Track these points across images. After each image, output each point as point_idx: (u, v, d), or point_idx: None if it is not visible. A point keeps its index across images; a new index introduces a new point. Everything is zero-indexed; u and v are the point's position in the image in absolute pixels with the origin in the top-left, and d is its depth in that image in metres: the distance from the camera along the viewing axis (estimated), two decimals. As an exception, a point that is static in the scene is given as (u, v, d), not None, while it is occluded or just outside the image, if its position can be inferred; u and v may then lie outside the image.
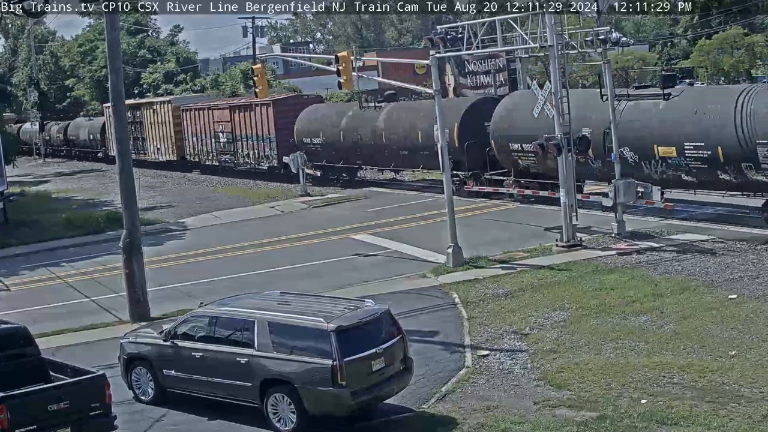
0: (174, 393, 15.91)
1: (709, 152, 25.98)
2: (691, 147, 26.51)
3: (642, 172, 28.00)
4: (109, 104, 61.75)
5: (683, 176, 27.48)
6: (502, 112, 32.99)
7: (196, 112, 52.49)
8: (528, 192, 32.25)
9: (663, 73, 30.34)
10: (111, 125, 57.49)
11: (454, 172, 31.87)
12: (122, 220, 23.10)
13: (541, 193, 31.39)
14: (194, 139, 52.98)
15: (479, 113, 34.33)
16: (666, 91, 27.74)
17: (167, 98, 55.51)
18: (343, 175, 43.30)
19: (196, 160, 53.39)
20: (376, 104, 40.77)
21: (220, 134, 49.88)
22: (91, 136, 69.63)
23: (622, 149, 27.73)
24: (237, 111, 48.57)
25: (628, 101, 28.47)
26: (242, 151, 48.35)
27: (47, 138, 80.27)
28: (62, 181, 59.22)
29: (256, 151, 47.12)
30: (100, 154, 67.54)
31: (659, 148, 27.38)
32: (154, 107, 57.28)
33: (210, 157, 52.00)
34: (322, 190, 42.59)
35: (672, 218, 28.31)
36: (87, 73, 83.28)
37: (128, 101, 64.53)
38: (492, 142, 33.21)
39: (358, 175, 43.83)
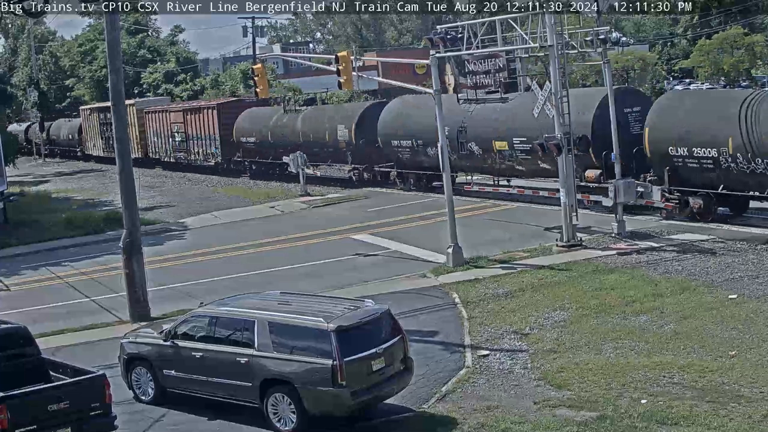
0: (174, 393, 15.91)
1: (530, 146, 30.12)
2: (518, 141, 31.86)
3: (486, 164, 34.15)
4: (86, 107, 63.64)
5: (516, 166, 33.06)
6: (386, 116, 39.14)
7: (157, 114, 57.64)
8: (410, 181, 38.98)
9: (506, 80, 33.33)
10: (87, 126, 66.84)
11: (353, 165, 41.60)
12: (122, 220, 23.10)
13: (421, 182, 38.42)
14: (155, 138, 58.38)
15: (373, 115, 40.19)
16: (504, 96, 32.86)
17: (132, 101, 58.89)
18: (277, 170, 47.24)
19: (157, 157, 58.58)
20: (296, 108, 47.20)
21: (176, 134, 55.06)
22: (70, 136, 74.71)
23: (470, 144, 33.98)
24: (189, 113, 53.89)
25: (476, 104, 33.91)
26: (193, 149, 53.88)
27: (30, 138, 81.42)
28: (62, 181, 59.22)
29: (204, 149, 52.80)
30: (79, 153, 73.46)
31: (496, 142, 32.97)
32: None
33: (168, 155, 57.18)
34: (322, 190, 42.62)
35: (672, 218, 28.33)
36: (87, 73, 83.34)
37: (99, 104, 68.86)
38: (379, 139, 39.29)
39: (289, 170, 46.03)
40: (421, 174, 37.74)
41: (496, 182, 34.62)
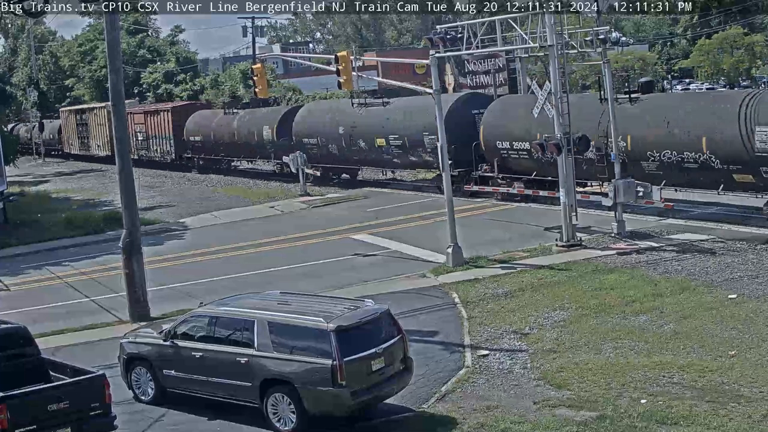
0: (174, 393, 15.91)
1: (401, 141, 38.11)
2: (393, 138, 38.59)
3: (371, 157, 41.14)
4: (65, 108, 65.58)
5: (393, 159, 39.89)
6: (299, 119, 45.48)
7: None
8: (317, 173, 44.36)
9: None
10: (66, 127, 72.11)
11: (275, 161, 47.51)
12: (122, 220, 23.10)
13: (328, 173, 44.33)
14: None
15: (290, 118, 46.53)
16: (385, 100, 40.49)
17: (103, 104, 64.12)
18: (223, 164, 53.37)
19: None
20: (234, 110, 52.84)
21: (139, 134, 60.38)
22: (51, 136, 78.11)
23: (359, 140, 40.57)
24: (149, 115, 60.26)
25: (365, 107, 40.99)
26: (153, 146, 60.10)
27: (16, 136, 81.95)
28: (62, 181, 59.22)
29: (161, 146, 58.95)
30: (59, 152, 77.50)
31: (377, 139, 39.37)
32: (95, 111, 67.64)
33: (133, 152, 61.00)
34: (322, 190, 42.64)
35: (672, 218, 28.33)
36: (87, 73, 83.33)
37: (76, 106, 74.11)
38: (294, 137, 45.15)
39: (236, 165, 53.67)
40: (327, 167, 44.18)
41: (384, 173, 43.50)
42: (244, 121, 50.69)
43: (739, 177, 26.31)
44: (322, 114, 44.45)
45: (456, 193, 30.26)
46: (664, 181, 27.58)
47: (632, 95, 30.00)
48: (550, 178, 30.18)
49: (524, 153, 32.37)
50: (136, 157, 58.68)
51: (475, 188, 35.19)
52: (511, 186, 33.79)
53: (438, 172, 32.84)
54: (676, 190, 28.47)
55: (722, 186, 26.74)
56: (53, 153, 78.44)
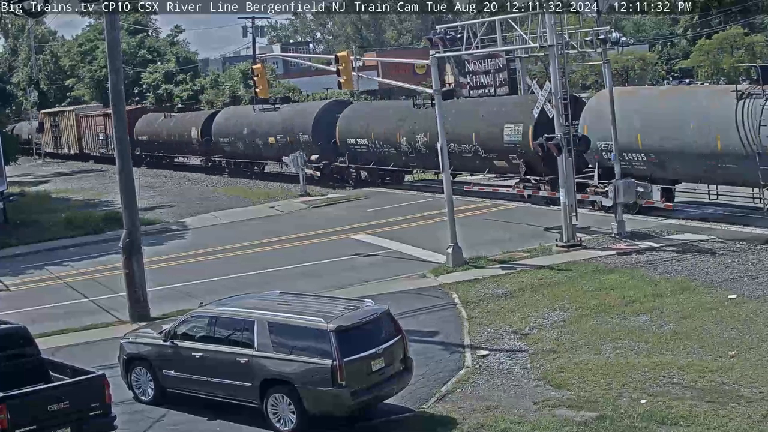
0: (174, 393, 15.91)
1: (286, 140, 46.13)
2: (280, 137, 46.73)
3: (267, 152, 48.72)
4: (44, 110, 67.94)
5: (289, 152, 44.43)
6: (218, 120, 53.50)
7: (88, 119, 70.58)
8: (231, 166, 52.91)
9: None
10: (46, 128, 78.69)
11: (201, 156, 56.13)
12: (122, 220, 23.10)
13: (239, 167, 52.20)
14: (87, 137, 71.54)
15: (211, 120, 54.51)
16: (277, 105, 47.78)
17: (71, 108, 75.16)
18: (165, 160, 61.12)
19: (89, 152, 71.51)
20: (171, 114, 60.70)
21: (99, 134, 67.67)
22: (30, 136, 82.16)
23: (257, 139, 48.90)
24: (107, 117, 63.42)
25: (263, 112, 48.20)
26: (111, 145, 63.64)
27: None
28: (62, 181, 59.24)
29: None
30: (38, 150, 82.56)
31: (269, 138, 47.75)
32: (66, 114, 75.50)
33: (96, 150, 70.14)
34: (322, 190, 42.65)
35: (672, 218, 28.33)
36: (87, 73, 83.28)
37: (50, 110, 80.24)
38: (212, 137, 53.57)
39: (174, 161, 61.11)
40: (238, 161, 52.39)
41: (281, 165, 47.20)
42: (177, 123, 58.45)
43: (498, 163, 34.48)
44: (232, 118, 52.65)
45: (321, 182, 43.12)
46: (452, 167, 31.75)
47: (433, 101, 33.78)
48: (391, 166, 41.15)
49: (365, 147, 41.75)
50: (98, 154, 69.05)
51: (338, 177, 43.73)
52: (360, 175, 42.70)
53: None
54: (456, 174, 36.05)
55: (488, 170, 35.42)
56: (30, 152, 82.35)
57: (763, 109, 24.63)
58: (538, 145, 26.83)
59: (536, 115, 27.73)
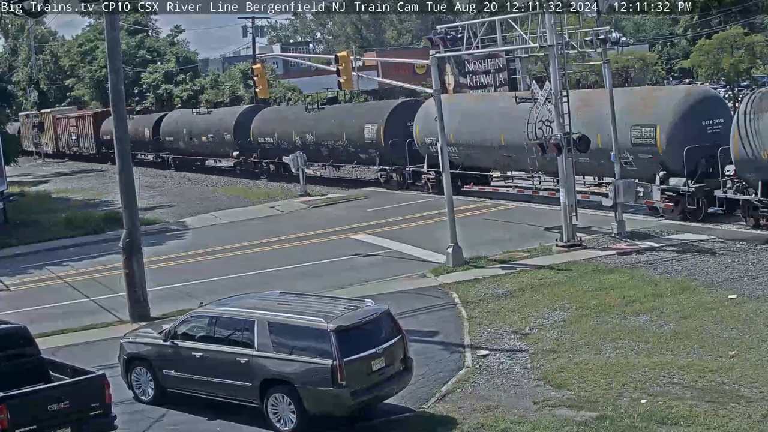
0: (174, 393, 15.91)
1: (215, 138, 53.53)
2: (210, 136, 53.97)
3: (203, 150, 56.03)
4: (23, 113, 74.71)
5: (214, 151, 55.09)
6: (167, 121, 60.76)
7: (63, 120, 77.08)
8: (177, 162, 59.48)
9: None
10: (24, 129, 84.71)
11: (154, 153, 62.57)
12: (122, 220, 23.10)
13: (184, 162, 59.04)
14: (63, 137, 77.43)
15: (160, 121, 61.37)
16: (210, 109, 56.94)
17: (49, 110, 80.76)
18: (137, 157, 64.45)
19: (64, 150, 77.24)
20: (132, 116, 62.61)
21: (73, 134, 74.11)
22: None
23: (194, 138, 55.99)
24: (78, 119, 73.90)
25: (199, 115, 56.82)
26: (82, 144, 73.39)
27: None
28: (62, 181, 59.29)
29: (88, 144, 72.20)
30: (19, 150, 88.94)
31: (202, 137, 54.86)
32: (45, 116, 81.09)
33: (69, 149, 76.05)
34: (322, 189, 42.68)
35: (672, 218, 28.33)
36: (87, 73, 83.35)
37: (30, 111, 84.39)
38: (161, 137, 59.98)
39: (135, 158, 69.30)
40: (183, 158, 58.97)
41: (217, 161, 58.03)
42: (135, 124, 62.40)
43: (362, 155, 42.48)
44: (175, 119, 60.09)
45: (242, 175, 51.52)
46: (331, 160, 45.07)
47: (319, 106, 47.19)
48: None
49: (272, 144, 48.93)
50: (72, 152, 75.43)
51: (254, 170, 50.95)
52: (269, 168, 49.49)
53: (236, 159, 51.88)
54: (325, 165, 45.59)
55: (355, 161, 43.47)
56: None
57: (530, 111, 29.44)
58: (537, 144, 26.80)
59: (536, 115, 27.68)
